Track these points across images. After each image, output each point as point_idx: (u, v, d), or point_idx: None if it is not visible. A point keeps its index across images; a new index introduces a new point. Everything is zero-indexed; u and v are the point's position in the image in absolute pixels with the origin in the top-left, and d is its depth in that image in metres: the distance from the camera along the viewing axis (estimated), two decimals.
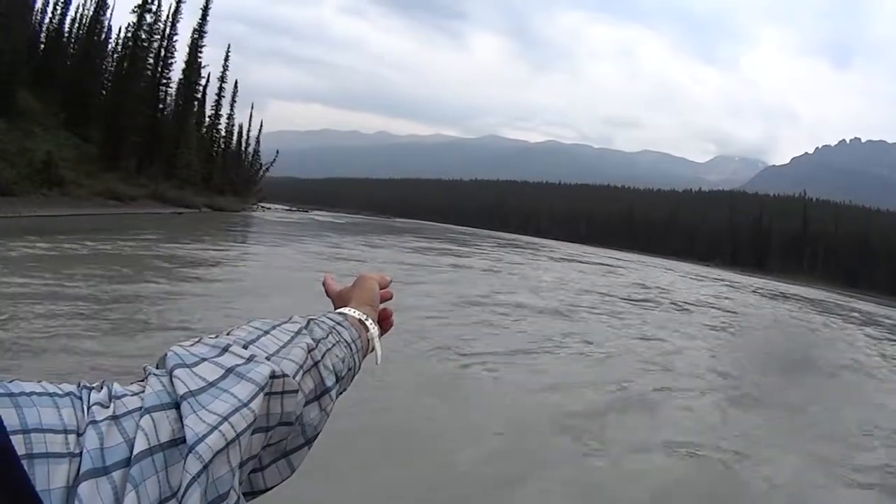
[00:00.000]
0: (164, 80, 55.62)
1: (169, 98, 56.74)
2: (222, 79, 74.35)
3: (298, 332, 0.76)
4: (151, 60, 53.64)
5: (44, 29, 60.79)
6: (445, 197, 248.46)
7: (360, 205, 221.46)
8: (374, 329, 0.96)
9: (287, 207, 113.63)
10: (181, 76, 56.25)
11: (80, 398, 0.53)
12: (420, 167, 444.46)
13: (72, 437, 0.50)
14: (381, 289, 1.08)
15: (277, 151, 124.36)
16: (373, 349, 0.96)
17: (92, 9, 58.12)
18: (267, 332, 0.73)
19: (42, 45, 59.93)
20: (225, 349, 0.65)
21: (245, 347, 0.67)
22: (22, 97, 52.18)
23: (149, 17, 50.50)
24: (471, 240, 63.77)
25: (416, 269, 22.14)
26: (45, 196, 29.23)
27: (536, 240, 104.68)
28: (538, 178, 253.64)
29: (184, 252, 18.48)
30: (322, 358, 0.76)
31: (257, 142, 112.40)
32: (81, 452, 0.49)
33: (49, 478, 0.47)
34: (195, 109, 62.91)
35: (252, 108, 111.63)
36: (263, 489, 0.70)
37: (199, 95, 72.15)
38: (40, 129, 49.67)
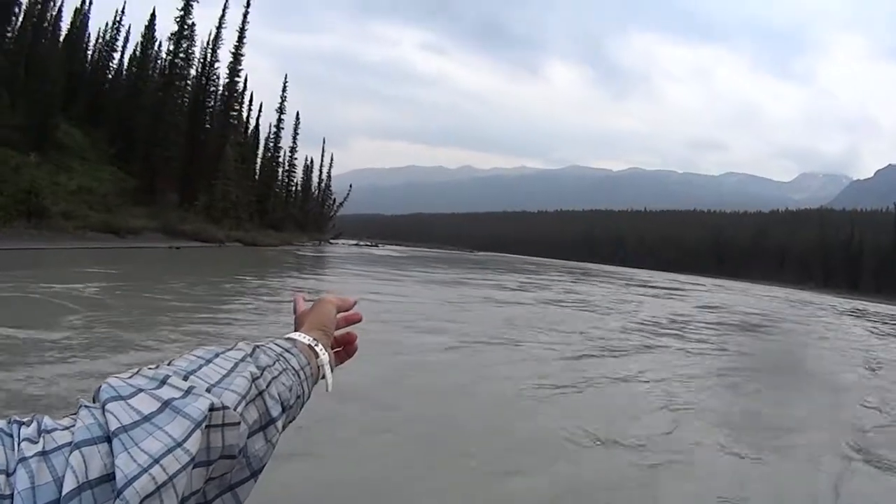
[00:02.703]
0: (208, 109, 53.27)
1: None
2: (280, 110, 72.16)
3: (242, 360, 0.72)
4: (190, 88, 51.57)
5: (93, 65, 60.53)
6: (530, 229, 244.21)
7: (444, 239, 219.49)
8: (323, 356, 0.90)
9: (354, 242, 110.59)
10: (219, 103, 53.27)
11: (11, 434, 0.51)
12: (504, 200, 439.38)
13: (1, 478, 0.47)
14: (344, 311, 1.02)
15: (350, 186, 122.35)
16: (323, 376, 0.90)
17: (141, 45, 57.42)
18: (209, 361, 0.68)
19: (106, 82, 60.04)
20: (163, 381, 0.61)
21: (185, 378, 0.63)
22: (66, 132, 51.06)
23: (185, 45, 47.78)
24: (541, 270, 57.89)
25: (441, 307, 16.76)
26: (11, 228, 25.80)
27: (622, 269, 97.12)
28: (623, 206, 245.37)
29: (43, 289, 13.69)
30: (267, 387, 0.71)
31: (328, 177, 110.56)
32: (13, 494, 0.47)
33: None
34: (244, 140, 60.30)
35: (324, 142, 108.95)
36: None
37: (251, 125, 70.38)
38: (79, 163, 48.08)
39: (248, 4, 52.08)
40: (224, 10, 51.45)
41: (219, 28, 51.76)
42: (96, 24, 60.68)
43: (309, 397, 0.84)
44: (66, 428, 0.53)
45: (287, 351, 0.81)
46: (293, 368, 0.79)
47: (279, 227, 69.13)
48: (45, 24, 55.44)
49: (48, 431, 0.52)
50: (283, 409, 0.73)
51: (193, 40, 48.38)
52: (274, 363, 0.76)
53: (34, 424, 0.52)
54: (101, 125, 54.65)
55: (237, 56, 52.42)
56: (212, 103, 53.74)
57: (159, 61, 54.14)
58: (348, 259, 47.48)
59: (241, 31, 52.10)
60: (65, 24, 58.66)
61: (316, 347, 0.88)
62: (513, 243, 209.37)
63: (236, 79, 53.79)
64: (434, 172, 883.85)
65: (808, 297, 61.96)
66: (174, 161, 46.32)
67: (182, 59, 48.30)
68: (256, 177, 69.66)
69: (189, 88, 51.49)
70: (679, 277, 79.86)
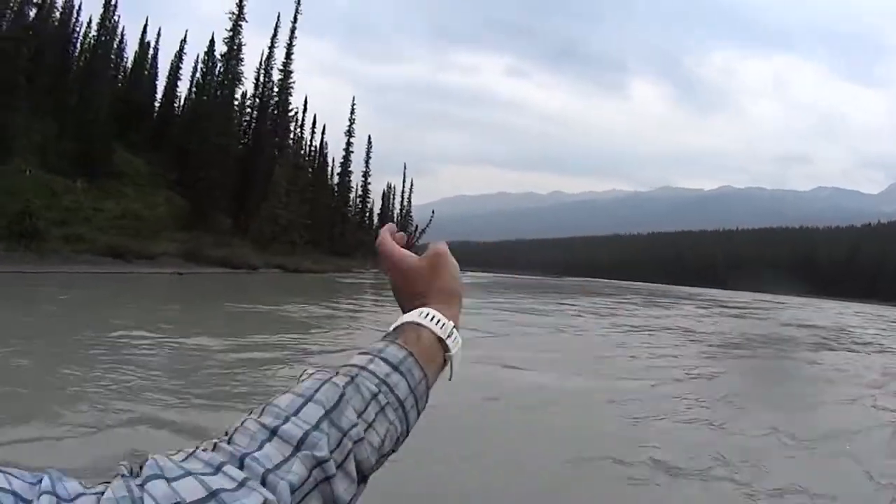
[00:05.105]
0: (274, 131, 50.81)
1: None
2: (349, 133, 69.67)
3: (317, 425, 0.57)
4: (247, 110, 49.82)
5: (165, 94, 60.14)
6: (622, 253, 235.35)
7: (535, 266, 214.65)
8: (456, 346, 0.72)
9: None
10: (270, 123, 50.50)
11: (29, 501, 0.43)
12: (595, 224, 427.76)
13: None
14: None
15: (433, 212, 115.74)
16: (449, 364, 0.72)
17: (201, 71, 56.30)
18: (274, 433, 0.56)
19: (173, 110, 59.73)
20: (218, 468, 0.51)
21: (241, 465, 0.53)
22: (126, 160, 50.06)
23: (234, 64, 45.61)
24: (619, 294, 52.03)
25: None
26: None
27: (711, 291, 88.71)
28: (714, 225, 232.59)
29: None
30: (344, 461, 0.58)
31: (409, 203, 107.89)
32: None
33: None
34: (301, 162, 57.65)
35: (405, 168, 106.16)
36: None
37: (315, 148, 68.02)
38: (133, 189, 46.71)
39: (295, 20, 49.53)
40: (276, 30, 49.24)
41: (271, 48, 49.62)
42: (166, 55, 59.73)
43: (419, 415, 0.66)
44: (95, 494, 0.46)
45: (395, 369, 0.65)
46: (396, 401, 0.63)
47: (348, 253, 66.12)
48: (111, 56, 55.37)
49: (71, 498, 0.45)
50: (360, 482, 0.59)
51: (241, 60, 46.14)
52: (366, 407, 0.60)
53: (62, 484, 0.45)
54: (165, 152, 53.82)
55: (286, 73, 49.83)
56: (269, 125, 51.29)
57: (211, 83, 52.42)
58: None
59: (289, 47, 49.60)
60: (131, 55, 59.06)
61: (447, 340, 0.69)
62: (604, 268, 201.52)
63: (288, 98, 51.19)
64: (524, 198, 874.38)
65: None
66: (222, 184, 43.83)
67: (230, 79, 46.10)
68: (333, 204, 67.40)
69: (241, 110, 49.63)
70: (780, 299, 71.67)
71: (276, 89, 50.11)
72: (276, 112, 50.18)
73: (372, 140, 79.95)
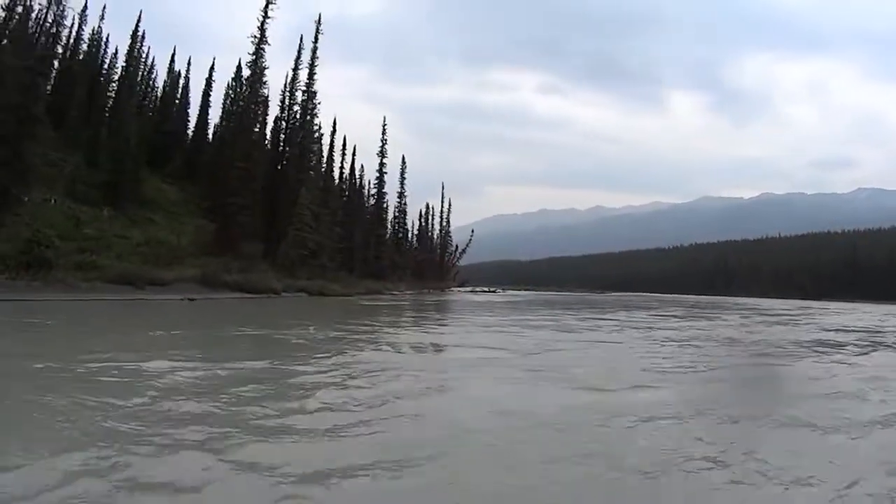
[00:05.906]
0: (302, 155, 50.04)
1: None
2: (382, 153, 68.74)
3: None
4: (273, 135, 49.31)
5: (198, 123, 60.38)
6: (664, 266, 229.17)
7: (578, 282, 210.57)
8: None
9: (469, 289, 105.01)
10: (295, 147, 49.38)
11: None
12: (637, 238, 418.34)
13: None
14: None
15: (472, 232, 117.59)
16: None
17: (231, 98, 56.15)
18: None
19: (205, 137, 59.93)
20: None
21: None
22: (157, 188, 49.93)
23: (256, 87, 44.81)
24: (661, 306, 49.60)
25: None
26: None
27: (755, 301, 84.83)
28: (756, 234, 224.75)
29: None
30: None
31: (447, 223, 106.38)
32: None
33: None
34: (330, 185, 56.67)
35: (443, 188, 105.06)
36: None
37: (346, 169, 67.15)
38: (163, 217, 46.27)
39: (316, 40, 48.45)
40: (299, 52, 48.34)
41: (295, 70, 48.76)
42: (197, 82, 60.04)
43: None
44: None
45: None
46: None
47: (383, 275, 64.90)
48: (141, 86, 55.76)
49: None
50: None
51: (265, 83, 45.39)
52: None
53: None
54: (198, 180, 53.62)
55: (310, 94, 48.78)
56: (295, 149, 50.45)
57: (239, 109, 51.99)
58: (423, 307, 41.43)
59: (311, 67, 48.31)
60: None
61: None
62: (647, 281, 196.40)
63: (313, 119, 50.13)
64: (566, 214, 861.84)
65: None
66: (248, 209, 42.90)
67: (256, 103, 45.37)
68: (366, 226, 66.50)
69: (275, 135, 49.24)
70: (824, 304, 68.79)
71: (299, 111, 49.20)
72: (300, 134, 49.27)
73: (412, 163, 79.99)
